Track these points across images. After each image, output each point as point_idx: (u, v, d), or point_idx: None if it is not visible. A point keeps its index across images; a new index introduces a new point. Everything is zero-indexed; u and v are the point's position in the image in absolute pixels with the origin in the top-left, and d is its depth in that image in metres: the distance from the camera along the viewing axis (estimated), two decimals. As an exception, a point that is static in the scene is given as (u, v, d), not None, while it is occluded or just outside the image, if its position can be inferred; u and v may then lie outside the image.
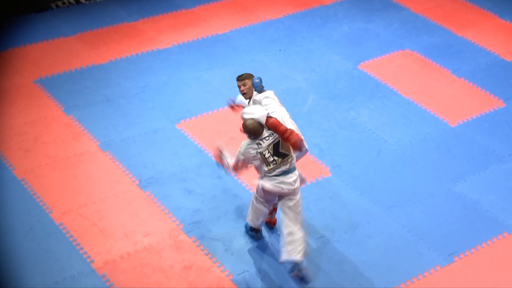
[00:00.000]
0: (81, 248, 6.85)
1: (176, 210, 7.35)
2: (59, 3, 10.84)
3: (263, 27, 10.54)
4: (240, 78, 6.73)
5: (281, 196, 6.47)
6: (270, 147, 6.28)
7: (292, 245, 6.41)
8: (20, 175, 7.67)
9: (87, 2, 10.95)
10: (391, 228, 7.26)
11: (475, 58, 10.01)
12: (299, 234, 6.43)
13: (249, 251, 6.92)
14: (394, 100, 9.14)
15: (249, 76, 6.71)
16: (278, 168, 6.31)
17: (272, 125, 6.29)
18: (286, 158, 6.31)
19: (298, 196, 6.46)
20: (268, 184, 6.37)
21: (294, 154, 6.40)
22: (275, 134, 6.31)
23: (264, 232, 7.12)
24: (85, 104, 8.80)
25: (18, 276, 6.56)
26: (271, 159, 6.29)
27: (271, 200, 6.62)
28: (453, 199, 7.66)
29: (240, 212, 7.35)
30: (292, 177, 6.38)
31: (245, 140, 6.39)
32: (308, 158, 8.07)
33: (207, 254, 6.87)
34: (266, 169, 6.32)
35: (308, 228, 7.19)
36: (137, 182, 7.67)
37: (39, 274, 6.58)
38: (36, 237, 6.96)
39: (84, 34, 10.13)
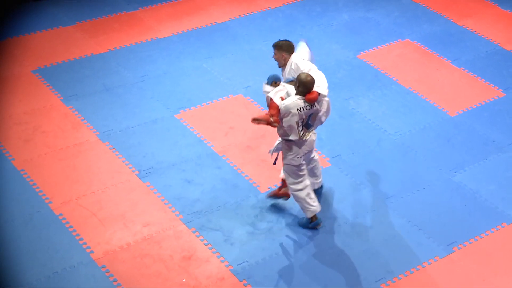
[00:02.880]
0: (81, 239, 6.86)
1: (176, 200, 7.35)
2: (58, -8, 10.80)
3: (263, 16, 10.51)
4: (276, 46, 6.90)
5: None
6: (305, 119, 6.60)
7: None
8: (19, 165, 7.67)
9: (86, -9, 10.90)
10: (390, 218, 7.27)
11: (475, 48, 9.99)
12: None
13: (248, 241, 6.93)
14: (394, 89, 9.13)
15: (286, 49, 6.85)
16: (305, 137, 6.66)
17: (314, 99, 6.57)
18: (310, 128, 6.70)
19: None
20: (299, 150, 6.69)
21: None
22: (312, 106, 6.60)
23: (262, 223, 7.13)
24: (84, 93, 8.78)
25: (17, 267, 6.57)
26: (300, 128, 6.60)
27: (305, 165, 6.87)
28: (452, 189, 7.66)
29: (239, 202, 7.35)
30: (313, 138, 6.77)
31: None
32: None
33: (206, 245, 6.88)
34: (296, 138, 6.62)
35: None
36: (137, 172, 7.67)
37: (39, 264, 6.59)
38: (35, 227, 6.97)
39: (83, 23, 10.10)
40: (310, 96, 6.56)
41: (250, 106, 8.73)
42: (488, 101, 8.99)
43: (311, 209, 6.95)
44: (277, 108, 6.52)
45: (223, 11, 10.52)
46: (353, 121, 8.56)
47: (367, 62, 9.56)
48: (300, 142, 6.71)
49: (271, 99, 6.60)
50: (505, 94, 9.12)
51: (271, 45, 7.02)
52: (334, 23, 10.40)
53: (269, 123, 6.49)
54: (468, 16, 10.66)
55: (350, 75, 9.38)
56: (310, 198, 6.92)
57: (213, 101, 8.78)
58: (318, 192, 7.37)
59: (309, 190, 6.91)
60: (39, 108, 8.52)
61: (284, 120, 6.56)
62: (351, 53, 9.76)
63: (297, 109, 6.53)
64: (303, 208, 6.98)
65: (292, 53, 6.91)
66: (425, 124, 8.55)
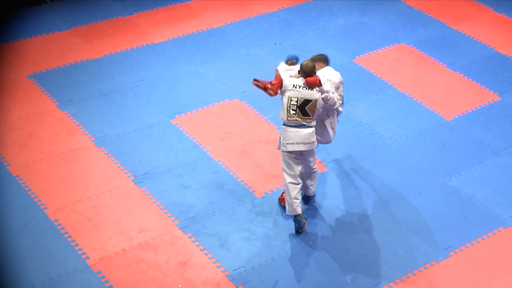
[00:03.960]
0: (76, 245, 6.84)
1: (172, 205, 7.34)
2: (53, -3, 10.79)
3: (258, 20, 10.51)
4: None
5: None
6: (300, 99, 6.73)
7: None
8: (14, 171, 7.65)
9: (81, -4, 10.90)
10: (386, 223, 7.26)
11: (471, 52, 10.00)
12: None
13: (244, 246, 6.92)
14: (390, 94, 9.13)
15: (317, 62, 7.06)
16: (294, 120, 6.79)
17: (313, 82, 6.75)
18: (305, 117, 6.78)
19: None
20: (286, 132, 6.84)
21: (314, 121, 6.87)
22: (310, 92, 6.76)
23: (258, 229, 7.12)
24: (79, 99, 8.77)
25: (13, 273, 6.55)
26: (292, 110, 6.76)
27: (297, 156, 6.93)
28: (448, 193, 7.66)
29: (235, 207, 7.34)
30: (307, 131, 6.81)
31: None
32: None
33: (202, 250, 6.87)
34: (284, 117, 6.82)
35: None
36: (132, 177, 7.65)
37: (34, 270, 6.57)
38: (31, 233, 6.94)
39: (78, 28, 10.09)
40: (309, 78, 6.75)
41: (246, 111, 8.72)
42: (484, 105, 9.00)
43: (290, 208, 6.99)
44: (280, 81, 6.85)
45: (218, 16, 10.53)
46: (349, 125, 8.55)
47: (363, 67, 9.57)
48: (291, 129, 6.81)
49: (278, 71, 6.92)
50: (500, 98, 9.13)
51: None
52: (330, 28, 10.41)
53: (265, 88, 6.85)
54: (464, 20, 10.67)
55: (345, 80, 9.27)
56: (296, 198, 6.95)
57: (209, 106, 8.77)
58: (309, 199, 7.37)
59: (298, 189, 6.97)
60: (34, 113, 8.50)
61: (282, 96, 6.84)
62: (346, 57, 9.76)
63: (293, 85, 6.76)
64: (286, 202, 7.02)
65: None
66: (421, 128, 8.56)
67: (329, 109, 7.01)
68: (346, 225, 7.21)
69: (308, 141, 6.86)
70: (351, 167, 7.93)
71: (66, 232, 6.97)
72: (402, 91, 9.15)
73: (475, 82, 9.41)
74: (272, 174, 7.79)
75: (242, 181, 7.68)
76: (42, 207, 7.24)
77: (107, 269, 6.63)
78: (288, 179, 6.96)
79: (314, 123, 6.90)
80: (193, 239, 6.98)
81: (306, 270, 6.72)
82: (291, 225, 7.15)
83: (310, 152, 7.01)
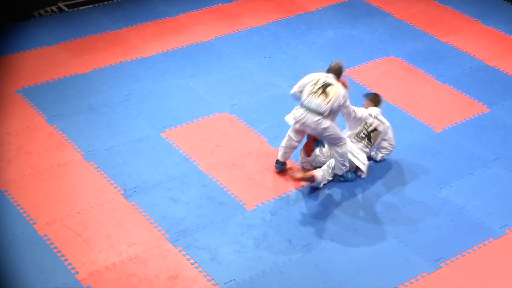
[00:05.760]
0: (66, 259, 6.78)
1: (162, 219, 7.30)
2: (42, 12, 10.77)
3: (248, 34, 10.53)
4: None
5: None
6: (320, 88, 7.47)
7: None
8: (2, 186, 7.59)
9: (70, 10, 10.89)
10: (377, 235, 7.25)
11: (459, 64, 10.05)
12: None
13: (235, 259, 6.88)
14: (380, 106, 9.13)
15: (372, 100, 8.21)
16: (310, 100, 7.45)
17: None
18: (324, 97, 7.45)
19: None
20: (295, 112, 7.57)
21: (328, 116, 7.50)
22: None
23: (249, 241, 7.09)
24: (68, 113, 8.73)
25: (1, 289, 6.49)
26: (314, 91, 7.49)
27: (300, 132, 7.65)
28: (438, 204, 7.66)
29: (226, 220, 7.31)
30: (317, 118, 7.44)
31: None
32: (293, 165, 8.06)
33: (193, 264, 6.83)
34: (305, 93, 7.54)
35: (294, 235, 7.18)
36: (122, 191, 7.61)
37: (23, 286, 6.50)
38: (19, 248, 6.88)
39: (67, 43, 10.07)
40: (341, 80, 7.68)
41: (236, 124, 8.71)
42: (473, 117, 9.03)
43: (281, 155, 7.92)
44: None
45: (208, 30, 10.54)
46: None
47: (353, 79, 9.58)
48: (302, 110, 7.49)
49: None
50: (489, 110, 9.17)
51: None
52: (319, 41, 10.44)
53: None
54: (452, 33, 10.73)
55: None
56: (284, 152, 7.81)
57: (199, 119, 8.75)
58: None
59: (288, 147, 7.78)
60: (23, 128, 8.46)
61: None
62: (336, 70, 9.77)
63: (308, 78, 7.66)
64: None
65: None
66: (411, 140, 8.57)
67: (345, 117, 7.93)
68: (337, 236, 7.19)
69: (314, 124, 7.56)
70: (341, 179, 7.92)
71: (56, 247, 6.91)
72: (392, 103, 9.17)
73: (464, 94, 9.45)
74: (263, 186, 7.77)
75: (232, 194, 7.65)
76: (31, 222, 7.18)
77: (97, 284, 6.57)
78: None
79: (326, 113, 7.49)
80: (183, 252, 6.93)
81: (296, 282, 6.69)
82: (282, 238, 7.13)
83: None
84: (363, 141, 7.88)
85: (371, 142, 7.91)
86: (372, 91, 8.38)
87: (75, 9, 10.93)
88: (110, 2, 11.12)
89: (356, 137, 7.90)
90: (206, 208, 7.45)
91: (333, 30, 10.70)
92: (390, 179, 7.98)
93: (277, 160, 7.93)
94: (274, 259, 6.91)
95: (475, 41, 10.57)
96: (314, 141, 7.84)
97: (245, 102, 9.11)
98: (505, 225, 7.44)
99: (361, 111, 7.95)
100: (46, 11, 10.82)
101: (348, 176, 7.81)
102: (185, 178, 7.83)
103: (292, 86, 9.91)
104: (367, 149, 7.92)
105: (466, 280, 6.81)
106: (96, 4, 11.02)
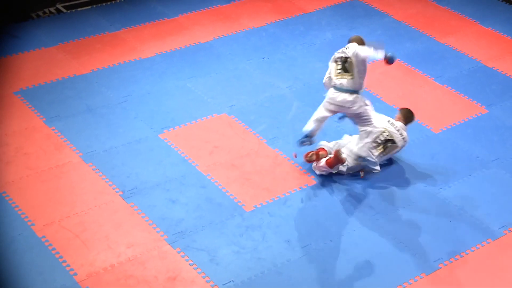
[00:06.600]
0: (64, 261, 6.77)
1: (160, 220, 7.29)
2: (40, 13, 10.77)
3: (246, 35, 10.53)
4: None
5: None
6: (341, 69, 7.62)
7: None
8: (1, 187, 7.58)
9: (68, 11, 10.89)
10: (376, 236, 7.24)
11: (458, 65, 10.05)
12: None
13: (234, 261, 6.88)
14: (378, 107, 9.09)
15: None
16: (340, 79, 7.57)
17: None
18: (348, 74, 7.58)
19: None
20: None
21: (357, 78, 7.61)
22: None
23: (248, 242, 7.08)
24: (67, 114, 8.73)
25: (-1, 290, 6.48)
26: (339, 68, 7.64)
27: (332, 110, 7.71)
28: (437, 205, 7.66)
29: (224, 221, 7.30)
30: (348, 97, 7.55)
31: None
32: (292, 166, 8.06)
33: (191, 265, 6.82)
34: (332, 76, 7.64)
35: (293, 236, 7.17)
36: (120, 193, 7.60)
37: (21, 287, 6.49)
38: (18, 250, 6.87)
39: (65, 44, 10.06)
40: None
41: (235, 125, 8.71)
42: (472, 118, 9.04)
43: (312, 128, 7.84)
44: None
45: (206, 31, 10.54)
46: (338, 139, 8.53)
47: (351, 80, 9.57)
48: (334, 91, 7.59)
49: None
50: (488, 111, 9.17)
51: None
52: (318, 42, 10.44)
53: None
54: (450, 34, 10.73)
55: (334, 93, 9.36)
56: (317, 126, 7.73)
57: (197, 120, 8.75)
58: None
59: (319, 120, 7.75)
60: (21, 129, 8.45)
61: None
62: (334, 71, 9.77)
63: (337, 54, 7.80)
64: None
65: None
66: (410, 141, 8.55)
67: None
68: (336, 237, 7.18)
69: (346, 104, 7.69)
70: (340, 180, 7.91)
71: (54, 249, 6.90)
72: (390, 104, 9.17)
73: (463, 95, 9.45)
74: (261, 187, 7.77)
75: (231, 195, 7.65)
76: (29, 223, 7.17)
77: (95, 285, 6.56)
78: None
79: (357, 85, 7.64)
80: (182, 253, 6.93)
81: (294, 283, 6.68)
82: (280, 239, 7.12)
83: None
84: (378, 148, 7.85)
85: (384, 152, 7.90)
86: (406, 108, 8.24)
87: (73, 10, 10.93)
88: (108, 3, 11.12)
89: (374, 142, 7.84)
90: (204, 209, 7.44)
91: (332, 31, 10.70)
92: (388, 179, 7.98)
93: (308, 132, 7.76)
94: (272, 260, 6.90)
95: (474, 42, 10.57)
96: (338, 162, 7.81)
97: (243, 103, 9.11)
98: (504, 226, 7.44)
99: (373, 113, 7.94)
100: (44, 12, 10.81)
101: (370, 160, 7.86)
102: (183, 179, 7.82)
103: (290, 87, 9.93)
104: (378, 156, 7.87)
105: (465, 281, 6.81)
106: (95, 5, 11.02)
